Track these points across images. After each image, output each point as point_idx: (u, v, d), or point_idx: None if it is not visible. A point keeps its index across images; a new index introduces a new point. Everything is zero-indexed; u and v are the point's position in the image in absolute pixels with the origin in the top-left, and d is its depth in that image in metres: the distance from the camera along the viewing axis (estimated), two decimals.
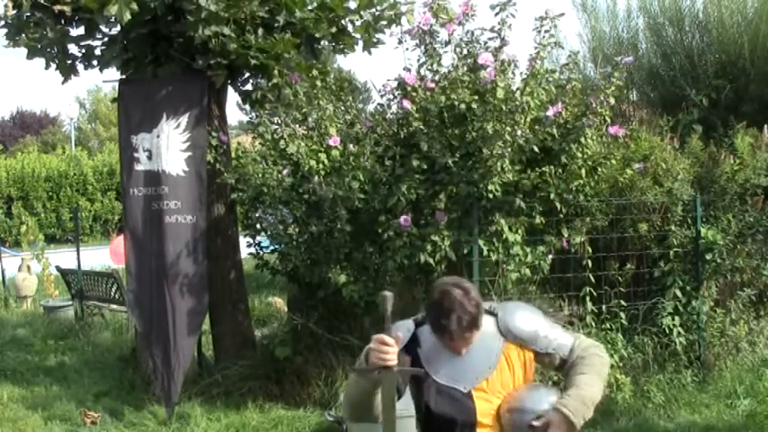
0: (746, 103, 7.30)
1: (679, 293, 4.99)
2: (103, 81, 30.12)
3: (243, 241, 5.76)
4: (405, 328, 2.63)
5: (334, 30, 5.39)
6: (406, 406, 2.64)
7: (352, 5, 5.36)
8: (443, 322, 2.40)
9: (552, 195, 4.78)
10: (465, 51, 4.87)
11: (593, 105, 4.94)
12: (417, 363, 2.56)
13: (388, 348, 2.34)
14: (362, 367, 2.42)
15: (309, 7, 5.23)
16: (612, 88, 4.95)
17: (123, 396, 5.52)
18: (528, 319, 2.61)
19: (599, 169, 5.06)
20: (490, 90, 4.64)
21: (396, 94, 5.06)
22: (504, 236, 4.66)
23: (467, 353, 2.48)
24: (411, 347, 2.58)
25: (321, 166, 4.91)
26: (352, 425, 3.66)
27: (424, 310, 2.53)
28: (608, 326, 4.93)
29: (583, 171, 4.92)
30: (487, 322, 2.51)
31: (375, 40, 5.50)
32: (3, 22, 5.32)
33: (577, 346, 2.63)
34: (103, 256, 10.34)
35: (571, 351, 2.63)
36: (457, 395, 2.51)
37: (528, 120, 4.80)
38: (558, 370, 2.73)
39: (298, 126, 5.15)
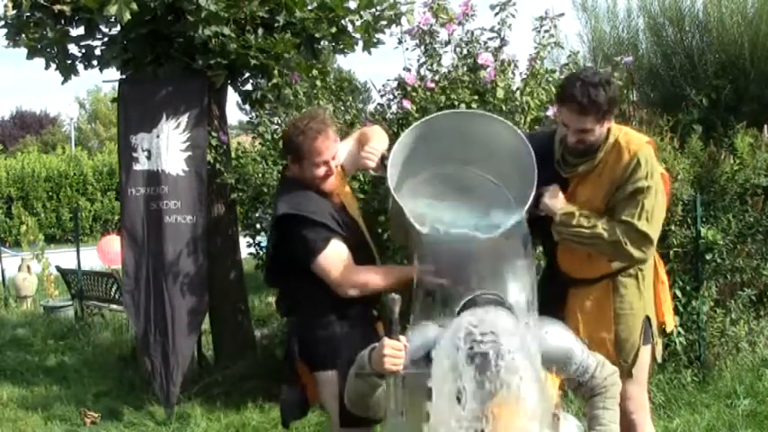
0: (746, 103, 7.29)
1: (679, 293, 4.98)
2: (103, 81, 30.07)
3: (243, 241, 5.76)
4: (432, 334, 2.60)
5: (334, 30, 5.39)
6: None
7: (352, 5, 5.36)
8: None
9: None
10: (465, 51, 4.87)
11: None
12: None
13: (400, 353, 2.34)
14: (366, 371, 2.42)
15: (309, 7, 5.23)
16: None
17: (123, 396, 5.52)
18: (562, 342, 2.55)
19: None
20: (490, 90, 4.64)
21: (396, 94, 5.06)
22: None
23: None
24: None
25: None
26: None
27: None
28: None
29: None
30: None
31: (375, 40, 5.50)
32: (3, 22, 5.32)
33: (599, 374, 2.61)
34: None
35: (592, 377, 2.61)
36: None
37: (528, 120, 4.80)
38: (573, 387, 2.72)
39: None
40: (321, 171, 2.97)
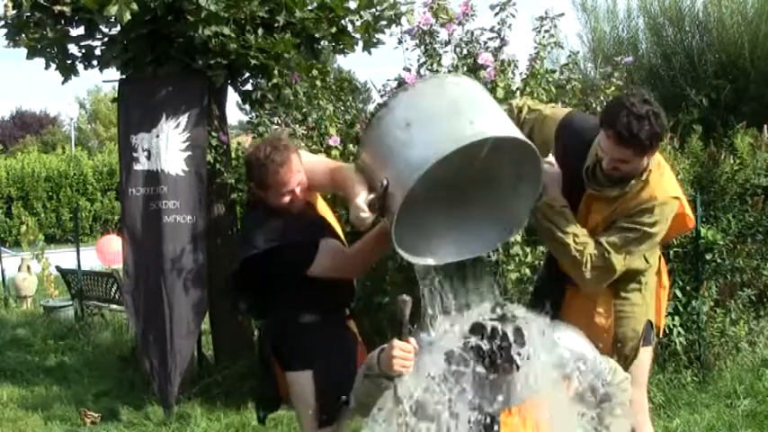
0: (746, 103, 7.31)
1: (679, 293, 4.99)
2: (103, 81, 30.04)
3: None
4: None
5: (334, 30, 5.40)
6: None
7: (352, 5, 5.37)
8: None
9: None
10: (465, 51, 4.87)
11: (593, 105, 4.94)
12: None
13: (409, 355, 2.33)
14: (374, 372, 2.41)
15: (309, 7, 5.24)
16: (612, 88, 4.95)
17: (123, 396, 5.53)
18: (574, 347, 2.53)
19: None
20: (490, 90, 4.63)
21: None
22: None
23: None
24: None
25: None
26: None
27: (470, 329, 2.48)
28: None
29: None
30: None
31: (375, 40, 5.51)
32: (3, 22, 5.32)
33: (611, 380, 2.58)
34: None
35: (604, 383, 2.60)
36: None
37: None
38: (582, 392, 2.70)
39: (298, 126, 5.15)
40: (286, 199, 2.91)
